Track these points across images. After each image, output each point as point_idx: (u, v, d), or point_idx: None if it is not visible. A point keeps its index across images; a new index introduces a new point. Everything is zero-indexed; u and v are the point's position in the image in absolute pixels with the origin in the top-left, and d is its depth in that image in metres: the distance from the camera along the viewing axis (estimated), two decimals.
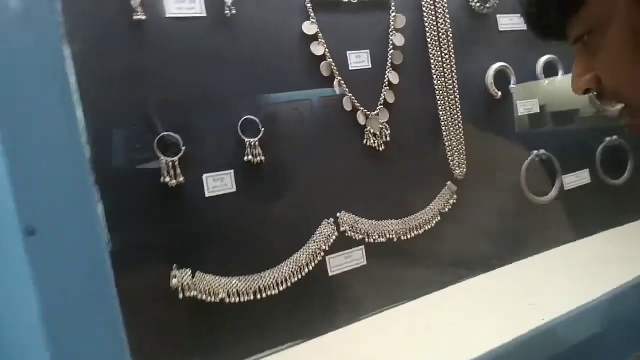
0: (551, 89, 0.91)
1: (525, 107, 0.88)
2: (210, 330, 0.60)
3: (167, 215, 0.58)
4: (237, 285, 0.61)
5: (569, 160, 0.93)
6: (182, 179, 0.58)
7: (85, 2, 0.54)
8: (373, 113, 0.73)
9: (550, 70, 0.91)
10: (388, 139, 0.74)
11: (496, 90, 0.84)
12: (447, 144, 0.80)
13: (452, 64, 0.80)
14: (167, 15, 0.59)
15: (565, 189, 0.92)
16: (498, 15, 0.85)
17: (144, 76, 0.57)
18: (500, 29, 0.86)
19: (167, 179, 0.57)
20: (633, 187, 0.98)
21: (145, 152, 0.57)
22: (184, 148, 0.58)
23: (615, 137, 0.97)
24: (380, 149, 0.73)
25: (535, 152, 0.88)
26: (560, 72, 0.92)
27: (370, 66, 0.74)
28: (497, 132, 0.86)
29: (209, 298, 0.58)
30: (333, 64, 0.69)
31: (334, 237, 0.69)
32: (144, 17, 0.56)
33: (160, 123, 0.58)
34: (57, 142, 0.29)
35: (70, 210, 0.29)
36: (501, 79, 0.85)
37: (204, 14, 0.61)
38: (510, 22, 0.87)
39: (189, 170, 0.59)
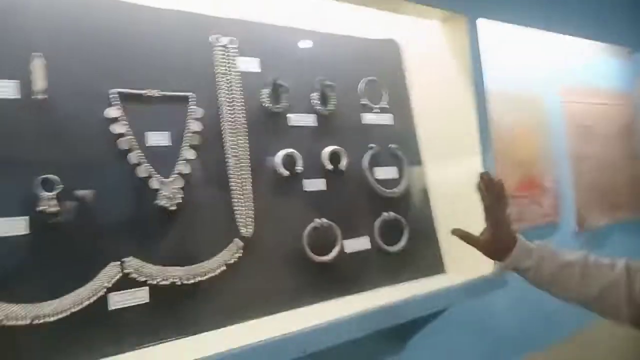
0: None
1: (313, 185, 1.12)
2: None
3: None
4: (16, 310, 0.74)
5: (352, 227, 1.16)
6: None
7: None
8: (167, 180, 0.93)
9: (334, 158, 1.16)
10: (180, 201, 0.93)
11: (284, 171, 1.08)
12: (235, 208, 1.00)
13: (247, 147, 1.04)
14: None
15: (347, 251, 1.15)
16: (288, 114, 1.12)
17: None
18: (290, 124, 1.12)
19: None
20: (407, 254, 1.23)
21: None
22: None
23: (391, 213, 1.23)
24: (172, 208, 0.92)
25: (317, 219, 1.11)
26: (345, 160, 1.18)
27: (170, 144, 0.95)
28: (284, 202, 1.08)
29: None
30: (132, 139, 0.89)
31: (118, 277, 0.84)
32: None
33: None
34: None
35: None
36: (290, 161, 1.09)
37: (18, 97, 0.80)
38: (299, 119, 1.13)
39: None
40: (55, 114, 0.83)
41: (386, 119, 1.30)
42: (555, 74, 1.93)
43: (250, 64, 1.08)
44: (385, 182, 1.25)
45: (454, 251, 1.29)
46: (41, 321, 0.76)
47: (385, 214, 1.23)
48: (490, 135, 1.24)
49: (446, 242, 1.31)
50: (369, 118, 1.27)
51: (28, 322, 0.75)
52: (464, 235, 0.97)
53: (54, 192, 0.80)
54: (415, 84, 1.37)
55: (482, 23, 1.29)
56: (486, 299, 1.11)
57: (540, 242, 0.93)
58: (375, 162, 1.25)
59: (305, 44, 1.20)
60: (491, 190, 0.92)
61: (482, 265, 1.14)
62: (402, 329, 1.23)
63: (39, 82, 0.80)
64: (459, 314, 1.29)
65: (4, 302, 0.74)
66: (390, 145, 1.28)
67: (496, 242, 0.92)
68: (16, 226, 0.77)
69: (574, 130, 1.98)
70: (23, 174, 0.79)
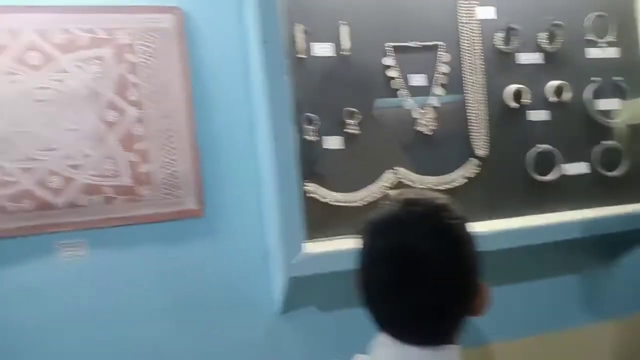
0: None
1: (537, 115, 1.30)
2: None
3: None
4: (337, 196, 1.14)
5: (572, 153, 1.32)
6: None
7: None
8: (423, 111, 1.22)
9: (558, 92, 1.31)
10: (435, 127, 1.23)
11: (513, 103, 1.28)
12: (472, 133, 1.26)
13: (483, 84, 1.26)
14: None
15: (566, 174, 1.32)
16: (518, 54, 1.29)
17: None
18: (519, 62, 1.30)
19: None
20: (625, 180, 1.34)
21: None
22: None
23: (612, 141, 1.34)
24: (427, 133, 1.22)
25: (539, 145, 1.29)
26: (568, 93, 1.32)
27: (425, 84, 1.23)
28: (512, 129, 1.29)
29: None
30: (400, 80, 1.20)
31: (393, 180, 1.19)
32: None
33: None
34: None
35: None
36: (517, 95, 1.29)
37: (333, 55, 1.16)
38: (527, 57, 1.30)
39: None
40: (355, 65, 1.17)
41: (612, 52, 1.37)
42: None
43: (487, 12, 1.27)
44: (607, 113, 1.36)
45: None
46: (351, 205, 1.15)
47: (604, 142, 1.34)
48: None
49: None
50: (594, 53, 1.36)
51: (344, 204, 1.14)
52: None
53: (355, 120, 1.16)
54: None
55: None
56: None
57: None
58: (598, 94, 1.35)
59: None
60: None
61: None
62: (612, 245, 1.39)
63: (345, 42, 1.15)
64: None
65: (331, 190, 1.14)
66: (614, 77, 1.36)
67: None
68: (336, 143, 1.15)
69: None
70: (337, 108, 1.16)
